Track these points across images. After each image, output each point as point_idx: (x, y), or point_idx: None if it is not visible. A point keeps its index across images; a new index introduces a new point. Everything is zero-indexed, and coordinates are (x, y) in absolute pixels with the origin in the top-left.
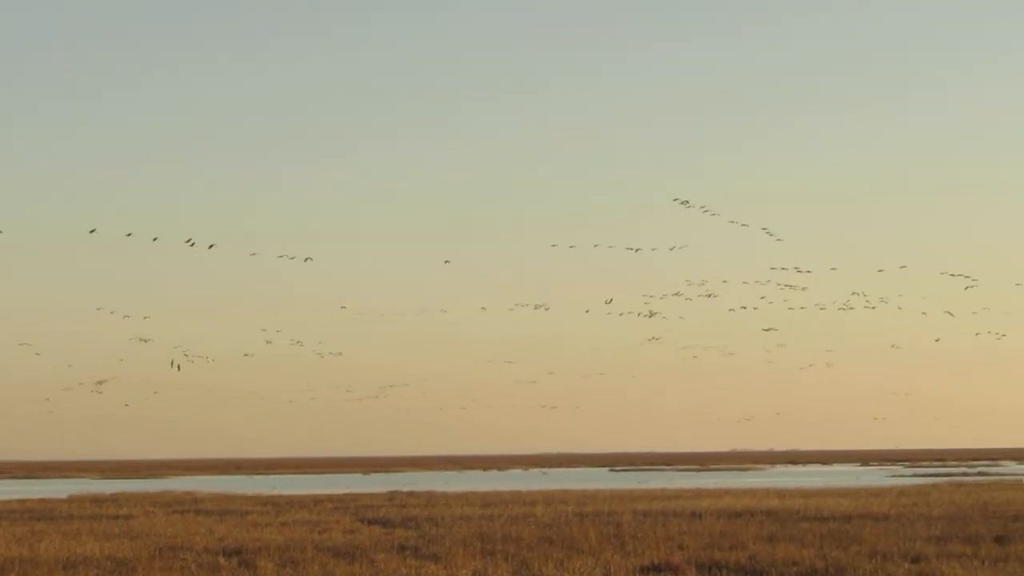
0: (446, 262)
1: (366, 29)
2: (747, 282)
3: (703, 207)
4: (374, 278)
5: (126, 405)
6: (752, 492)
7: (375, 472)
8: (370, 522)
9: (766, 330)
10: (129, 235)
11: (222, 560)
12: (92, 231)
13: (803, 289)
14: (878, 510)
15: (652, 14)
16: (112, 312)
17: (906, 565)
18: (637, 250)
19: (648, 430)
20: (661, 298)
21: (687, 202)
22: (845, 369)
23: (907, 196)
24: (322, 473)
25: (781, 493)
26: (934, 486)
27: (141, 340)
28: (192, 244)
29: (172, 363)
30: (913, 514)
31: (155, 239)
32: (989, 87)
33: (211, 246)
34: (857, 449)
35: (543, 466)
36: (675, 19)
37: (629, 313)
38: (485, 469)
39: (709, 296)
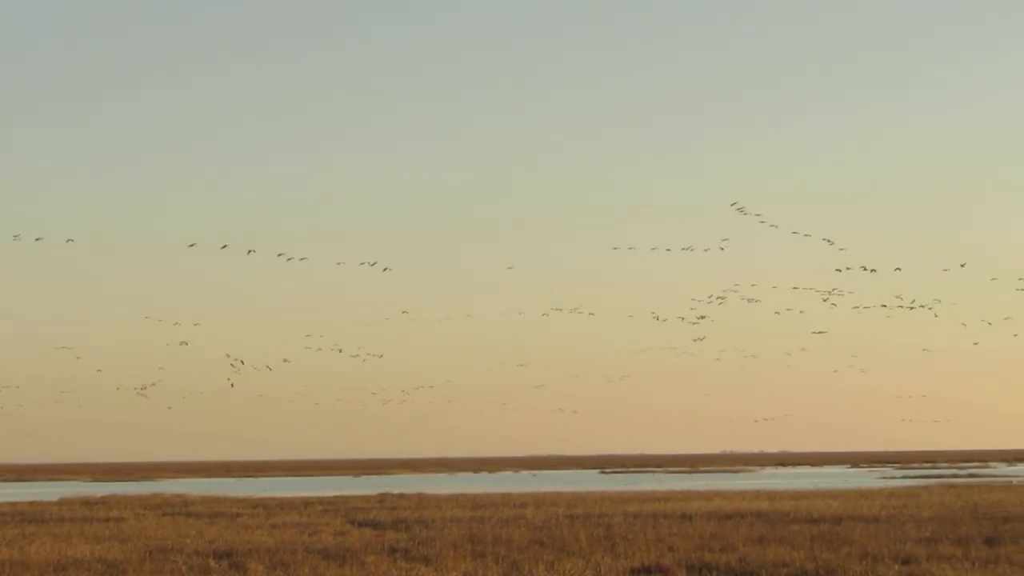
0: (509, 268)
1: (366, 29)
2: (798, 287)
3: (758, 215)
4: (376, 279)
5: (169, 408)
6: (742, 494)
7: (365, 474)
8: (360, 524)
9: (816, 333)
10: (225, 246)
11: (212, 562)
12: (192, 245)
13: (850, 292)
14: (868, 512)
15: (652, 14)
16: (160, 320)
17: (896, 567)
18: (691, 249)
19: (650, 432)
20: (708, 302)
21: (743, 208)
22: (870, 372)
23: (907, 196)
24: (312, 475)
25: (771, 495)
26: (924, 488)
27: (182, 343)
28: (289, 258)
29: (228, 379)
30: (903, 516)
31: (191, 245)
32: (989, 87)
33: (285, 255)
34: (848, 451)
35: (533, 468)
36: (675, 19)
37: (679, 319)
38: (475, 471)
39: (750, 301)
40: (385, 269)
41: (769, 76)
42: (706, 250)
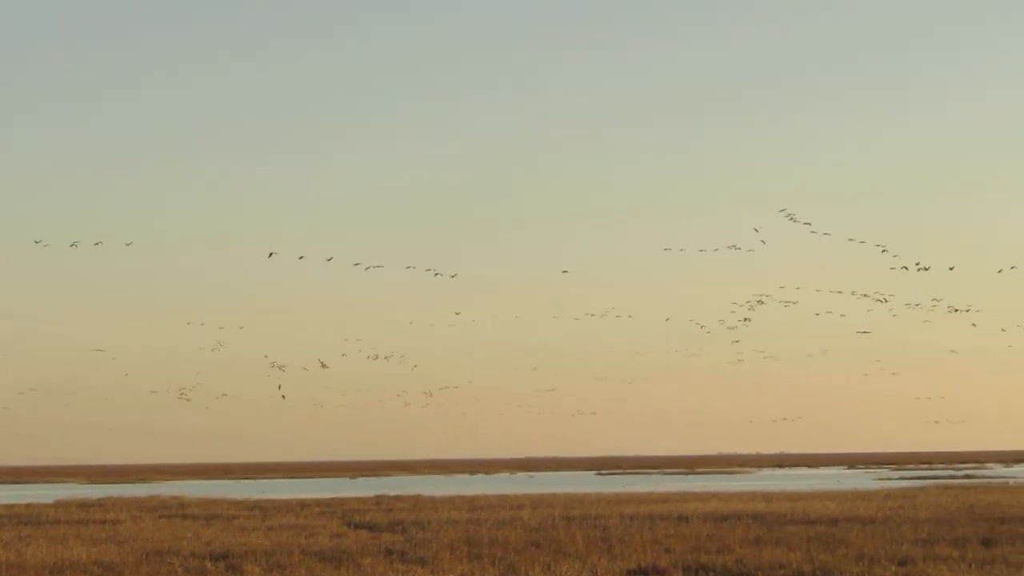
0: (564, 272)
1: (366, 29)
2: (841, 291)
3: (807, 223)
4: (379, 279)
5: (207, 408)
6: (739, 495)
7: (362, 476)
8: (357, 526)
9: (861, 332)
10: (302, 257)
11: (209, 564)
12: (272, 254)
13: (890, 296)
14: (865, 513)
15: (652, 14)
16: (203, 324)
17: (893, 568)
18: (737, 248)
19: (650, 433)
20: (747, 306)
21: (793, 216)
22: (901, 374)
23: (907, 196)
24: (309, 477)
25: (768, 496)
26: (921, 489)
27: (214, 349)
28: (367, 267)
29: (279, 386)
30: (900, 517)
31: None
32: (989, 87)
33: (362, 264)
34: (845, 452)
35: (530, 470)
36: (675, 19)
37: (718, 322)
38: (472, 473)
39: (787, 304)
40: (453, 276)
41: (769, 76)
42: (751, 250)
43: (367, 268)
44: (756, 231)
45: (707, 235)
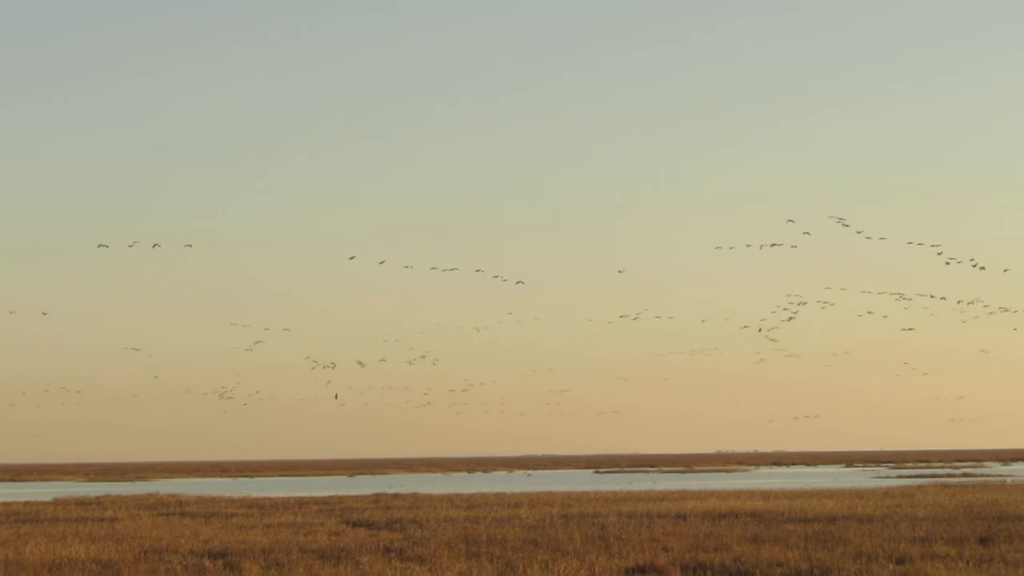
0: (619, 271)
1: (366, 29)
2: (882, 292)
3: (860, 231)
4: (379, 279)
5: (244, 404)
6: (737, 494)
7: (360, 474)
8: (355, 524)
9: (905, 330)
10: (353, 257)
11: (207, 562)
12: (352, 258)
13: (943, 298)
14: (863, 511)
15: (652, 14)
16: (248, 325)
17: (891, 566)
18: (777, 246)
19: (646, 433)
20: (790, 310)
21: (843, 220)
22: (933, 375)
23: (907, 196)
24: (307, 476)
25: (766, 494)
26: (918, 487)
27: (248, 350)
28: (443, 269)
29: (333, 391)
30: (897, 515)
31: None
32: (989, 87)
33: (439, 268)
34: (843, 451)
35: (528, 468)
36: (674, 19)
37: (759, 320)
38: (470, 471)
39: (824, 305)
40: (518, 282)
41: (770, 76)
42: (793, 246)
43: (444, 271)
44: (791, 221)
45: (711, 237)
